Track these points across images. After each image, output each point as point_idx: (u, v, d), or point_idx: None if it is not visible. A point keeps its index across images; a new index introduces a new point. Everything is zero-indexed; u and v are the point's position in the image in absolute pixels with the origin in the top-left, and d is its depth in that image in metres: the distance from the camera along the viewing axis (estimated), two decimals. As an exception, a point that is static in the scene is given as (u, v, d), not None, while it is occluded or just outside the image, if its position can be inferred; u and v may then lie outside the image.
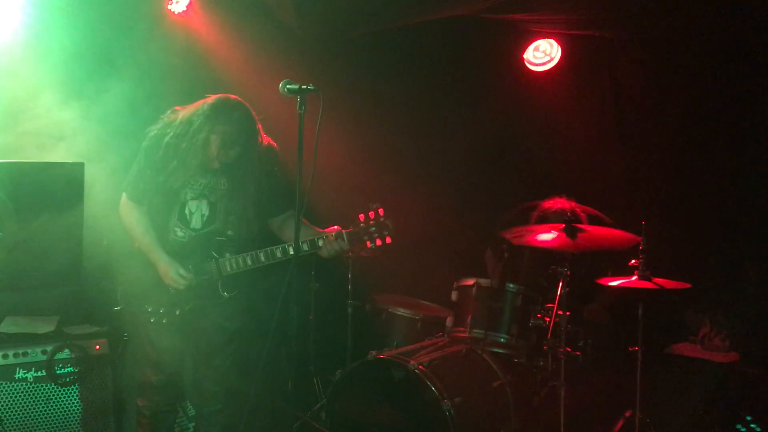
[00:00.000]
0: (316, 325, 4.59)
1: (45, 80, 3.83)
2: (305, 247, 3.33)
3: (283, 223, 3.60)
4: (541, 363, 3.74)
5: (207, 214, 3.47)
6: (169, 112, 3.49)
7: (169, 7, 4.34)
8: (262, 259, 3.41)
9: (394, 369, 3.54)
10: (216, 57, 4.36)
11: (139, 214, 3.46)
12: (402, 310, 4.20)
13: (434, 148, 5.02)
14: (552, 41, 5.00)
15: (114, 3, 4.05)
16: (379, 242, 3.32)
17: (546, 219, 4.13)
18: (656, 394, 3.93)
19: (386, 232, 3.32)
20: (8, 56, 3.85)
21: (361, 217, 3.34)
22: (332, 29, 4.41)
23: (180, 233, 3.47)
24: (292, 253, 3.29)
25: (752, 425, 3.56)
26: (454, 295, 3.94)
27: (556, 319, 3.56)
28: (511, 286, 3.77)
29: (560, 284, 3.55)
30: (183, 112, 3.44)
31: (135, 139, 3.74)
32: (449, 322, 3.92)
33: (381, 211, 3.32)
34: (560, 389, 3.55)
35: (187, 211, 3.46)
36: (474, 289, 3.81)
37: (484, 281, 3.82)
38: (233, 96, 3.42)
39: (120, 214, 3.48)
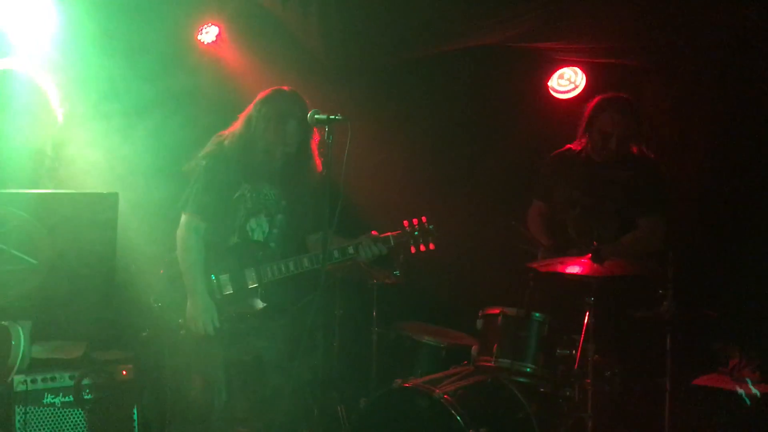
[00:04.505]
0: (340, 352, 4.58)
1: (78, 110, 3.91)
2: (346, 252, 3.49)
3: (316, 241, 3.69)
4: (568, 393, 3.69)
5: (267, 229, 3.54)
6: (214, 137, 3.60)
7: (199, 37, 4.43)
8: (306, 263, 3.48)
9: (419, 398, 3.51)
10: (245, 86, 4.43)
11: (197, 240, 3.49)
12: (427, 338, 4.17)
13: (459, 176, 5.03)
14: (576, 69, 5.01)
15: (145, 34, 4.14)
16: (423, 248, 3.53)
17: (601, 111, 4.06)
18: (685, 426, 3.86)
19: (430, 238, 3.52)
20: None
21: (405, 223, 3.54)
22: (358, 58, 4.46)
23: None
24: (337, 256, 3.51)
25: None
26: (479, 324, 3.91)
27: (583, 349, 3.53)
28: (537, 315, 3.74)
29: (587, 314, 3.52)
30: (236, 123, 3.56)
31: (165, 166, 3.81)
32: (474, 350, 3.88)
33: (424, 219, 3.55)
34: (587, 420, 3.51)
35: (248, 228, 3.53)
36: (500, 318, 3.77)
37: (509, 310, 3.79)
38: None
39: (179, 235, 3.52)
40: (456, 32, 4.30)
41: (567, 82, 5.02)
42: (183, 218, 3.53)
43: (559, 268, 3.64)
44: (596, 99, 4.15)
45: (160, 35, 4.23)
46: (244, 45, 4.50)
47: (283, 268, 3.47)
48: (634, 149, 4.12)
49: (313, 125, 3.16)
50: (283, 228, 3.59)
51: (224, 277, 3.49)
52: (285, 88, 3.58)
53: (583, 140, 4.17)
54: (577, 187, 4.14)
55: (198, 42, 4.45)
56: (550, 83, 5.07)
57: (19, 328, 3.05)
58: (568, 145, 4.30)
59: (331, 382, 4.57)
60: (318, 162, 3.59)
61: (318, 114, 3.09)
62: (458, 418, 3.34)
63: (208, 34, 4.43)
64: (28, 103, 3.07)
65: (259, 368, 3.54)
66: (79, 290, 2.50)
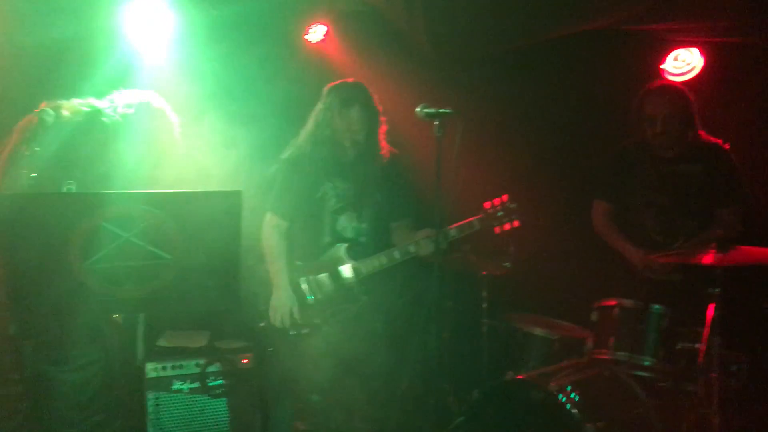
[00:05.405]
0: (450, 343, 4.60)
1: (192, 112, 4.10)
2: (408, 251, 3.52)
3: (395, 230, 3.74)
4: (690, 388, 3.55)
5: (356, 224, 3.64)
6: (292, 142, 3.71)
7: (306, 37, 4.54)
8: (397, 256, 3.53)
9: (533, 390, 3.47)
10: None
11: (278, 237, 3.65)
12: (538, 329, 4.11)
13: (571, 163, 4.92)
14: (693, 49, 4.78)
15: (255, 35, 4.29)
16: (507, 227, 3.48)
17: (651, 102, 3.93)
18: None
19: (514, 216, 3.48)
20: (159, 90, 4.16)
21: (487, 204, 3.51)
22: (464, 49, 4.43)
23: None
24: (397, 257, 3.54)
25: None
26: (594, 316, 3.81)
27: (708, 342, 3.37)
28: (657, 307, 3.61)
29: (712, 306, 3.36)
30: (307, 123, 3.66)
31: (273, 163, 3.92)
32: (589, 343, 3.79)
33: (505, 198, 3.50)
34: (713, 417, 3.35)
35: (339, 227, 3.63)
36: (616, 310, 3.67)
37: (627, 302, 3.67)
38: None
39: (262, 233, 3.69)
40: (566, 16, 4.19)
41: (682, 63, 4.80)
42: (266, 217, 3.69)
43: (681, 259, 3.50)
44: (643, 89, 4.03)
45: (269, 35, 4.37)
46: (350, 42, 4.57)
47: (376, 263, 3.54)
48: (692, 137, 3.94)
49: (422, 119, 3.17)
50: (371, 221, 3.65)
51: (322, 276, 3.59)
52: (349, 79, 3.66)
53: (638, 133, 4.04)
54: (649, 186, 4.02)
55: (306, 41, 4.55)
56: (664, 66, 4.87)
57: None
58: (626, 142, 4.15)
59: (441, 373, 4.59)
60: (386, 151, 3.63)
61: (427, 108, 3.08)
62: (574, 411, 3.28)
63: (316, 33, 4.53)
64: (160, 133, 3.32)
65: (366, 362, 3.58)
66: (207, 284, 2.64)
